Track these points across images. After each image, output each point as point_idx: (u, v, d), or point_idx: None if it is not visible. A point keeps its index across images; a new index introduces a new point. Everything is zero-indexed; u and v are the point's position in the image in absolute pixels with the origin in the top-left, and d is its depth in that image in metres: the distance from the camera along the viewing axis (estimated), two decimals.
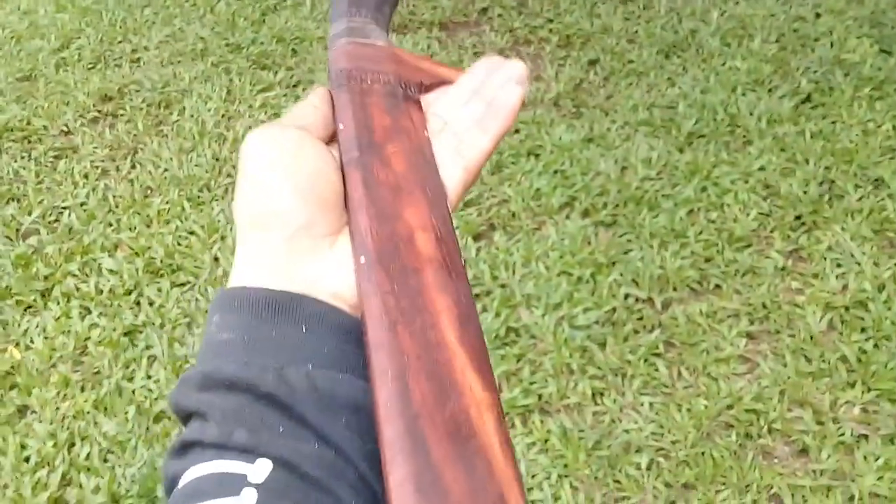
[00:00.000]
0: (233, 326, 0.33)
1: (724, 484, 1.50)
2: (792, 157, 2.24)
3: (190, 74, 2.80)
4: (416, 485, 0.28)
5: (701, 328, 1.78)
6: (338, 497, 0.30)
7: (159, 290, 1.98)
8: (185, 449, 0.31)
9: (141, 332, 1.88)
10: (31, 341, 1.88)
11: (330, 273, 0.34)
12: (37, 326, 1.92)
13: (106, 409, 1.72)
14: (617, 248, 1.99)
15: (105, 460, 1.63)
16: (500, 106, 0.40)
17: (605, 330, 1.79)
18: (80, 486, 1.58)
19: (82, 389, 1.77)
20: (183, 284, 2.00)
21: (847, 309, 1.79)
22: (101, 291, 1.99)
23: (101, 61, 2.94)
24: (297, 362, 0.31)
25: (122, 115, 2.66)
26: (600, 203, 2.13)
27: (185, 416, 0.32)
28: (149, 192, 2.33)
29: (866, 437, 1.55)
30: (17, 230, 2.21)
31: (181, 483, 0.30)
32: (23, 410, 1.75)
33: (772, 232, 2.01)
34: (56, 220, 2.24)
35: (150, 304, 1.95)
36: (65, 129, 2.61)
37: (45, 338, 1.88)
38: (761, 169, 2.20)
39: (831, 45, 2.70)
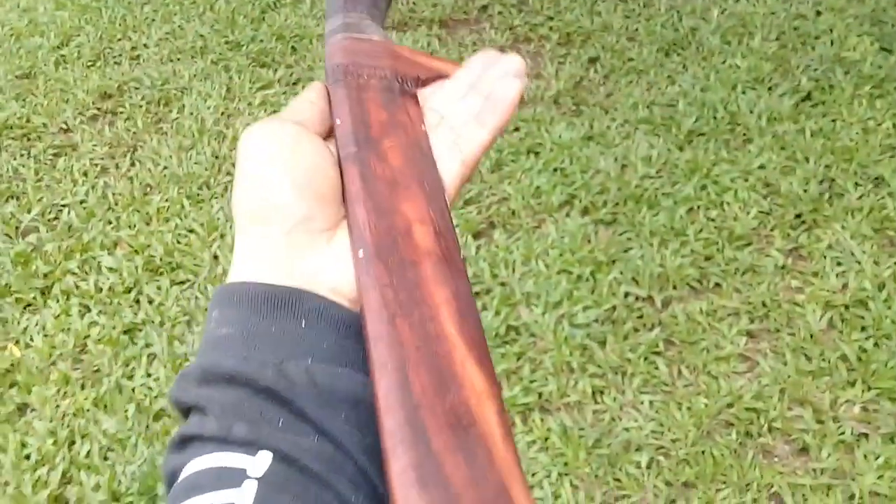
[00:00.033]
0: (232, 321, 0.33)
1: (724, 482, 1.50)
2: (792, 155, 2.24)
3: (189, 72, 2.80)
4: (417, 474, 0.28)
5: (701, 327, 1.78)
6: (337, 491, 0.30)
7: (159, 288, 1.98)
8: (185, 443, 0.31)
9: (140, 330, 1.88)
10: (31, 339, 1.88)
11: (329, 267, 0.34)
12: (36, 324, 1.92)
13: (106, 406, 1.72)
14: (617, 246, 1.99)
15: (105, 458, 1.63)
16: (499, 99, 0.40)
17: (605, 328, 1.79)
18: (81, 483, 1.58)
19: (82, 387, 1.77)
20: (182, 282, 2.00)
21: (847, 307, 1.79)
22: (101, 289, 1.99)
23: (100, 59, 2.94)
24: (296, 357, 0.32)
25: (121, 112, 2.66)
26: (600, 201, 2.13)
27: (185, 411, 0.32)
28: (148, 189, 2.32)
29: (866, 435, 1.55)
30: (17, 228, 2.21)
31: (181, 477, 0.30)
32: (23, 408, 1.75)
33: (772, 230, 2.01)
34: (55, 218, 2.24)
35: (150, 302, 1.95)
36: (64, 126, 2.61)
37: (45, 336, 1.88)
38: (761, 167, 2.20)
39: (831, 43, 2.70)
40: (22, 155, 2.49)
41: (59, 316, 1.93)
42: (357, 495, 0.30)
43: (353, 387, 0.32)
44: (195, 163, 2.39)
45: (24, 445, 1.65)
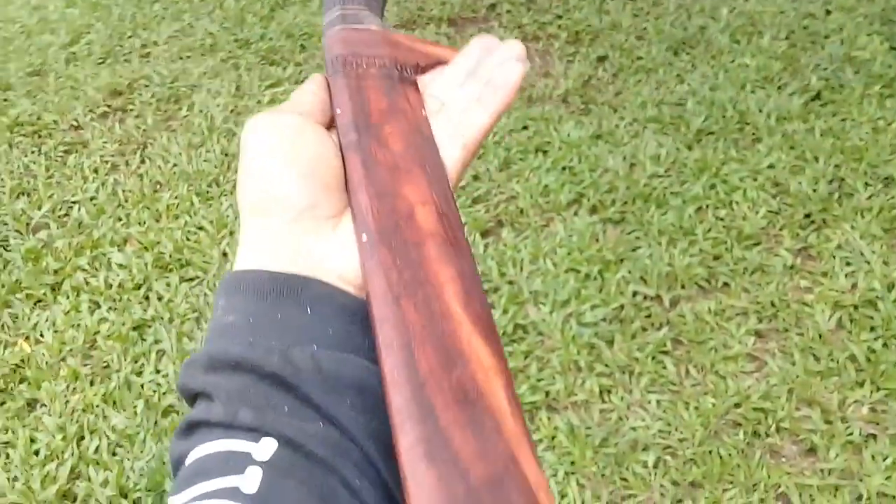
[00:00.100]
0: (238, 309, 0.33)
1: (731, 482, 1.49)
2: (801, 154, 2.23)
3: (199, 70, 2.81)
4: (425, 449, 0.28)
5: (709, 326, 1.78)
6: (342, 476, 0.30)
7: (168, 284, 1.99)
8: (191, 429, 0.31)
9: (150, 327, 1.89)
10: (41, 335, 1.89)
11: (334, 254, 0.34)
12: (46, 320, 1.93)
13: (115, 402, 1.73)
14: (625, 245, 1.99)
15: (114, 454, 1.64)
16: (501, 83, 0.40)
17: (613, 327, 1.79)
18: (89, 479, 1.59)
19: (91, 383, 1.78)
20: (192, 279, 2.01)
21: (856, 308, 1.78)
22: (111, 286, 2.00)
23: (110, 56, 2.95)
24: (302, 343, 0.32)
25: (131, 110, 2.67)
26: (608, 200, 2.12)
27: (192, 398, 0.33)
28: (158, 187, 2.33)
29: (874, 436, 1.55)
30: (28, 224, 2.22)
31: (187, 462, 0.30)
32: (32, 404, 1.76)
33: (781, 230, 2.01)
34: (66, 215, 2.25)
35: (159, 298, 1.96)
36: (75, 123, 2.62)
37: (55, 331, 1.90)
38: (770, 167, 2.19)
39: (841, 43, 2.68)
40: (33, 152, 2.51)
41: (68, 312, 1.94)
42: (362, 480, 0.30)
43: (359, 372, 0.32)
44: (204, 160, 2.40)
45: (33, 441, 1.66)
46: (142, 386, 1.76)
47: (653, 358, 1.72)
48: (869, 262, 1.89)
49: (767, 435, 1.56)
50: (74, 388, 1.77)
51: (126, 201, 2.28)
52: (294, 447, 0.30)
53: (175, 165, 2.39)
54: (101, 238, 2.14)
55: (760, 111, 2.39)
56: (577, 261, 1.94)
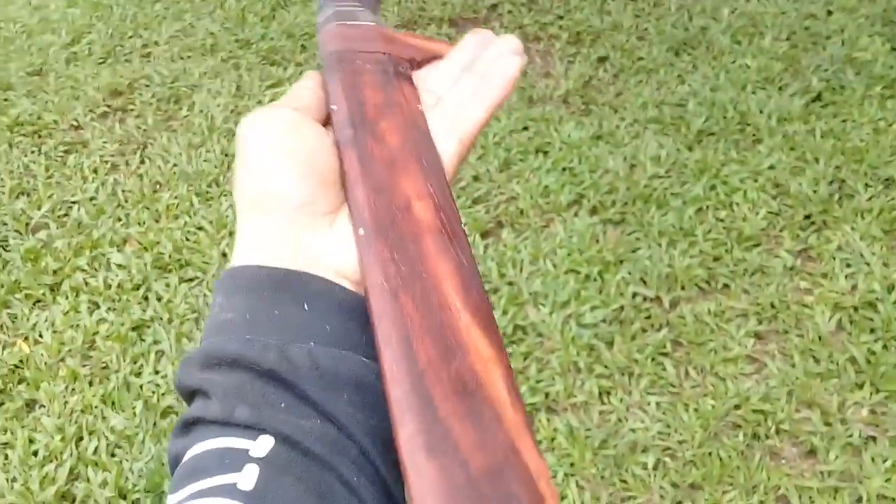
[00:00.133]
0: (235, 306, 0.33)
1: (731, 484, 1.49)
2: (802, 155, 2.23)
3: (199, 70, 2.81)
4: (425, 440, 0.28)
5: (709, 327, 1.78)
6: (339, 473, 0.30)
7: (167, 285, 1.99)
8: (188, 427, 0.31)
9: (149, 327, 1.89)
10: (40, 335, 1.89)
11: (332, 250, 0.34)
12: (45, 321, 1.93)
13: (114, 403, 1.73)
14: (625, 246, 1.99)
15: (113, 455, 1.64)
16: (497, 77, 0.40)
17: (613, 328, 1.79)
18: (88, 480, 1.59)
19: (90, 384, 1.78)
20: (191, 280, 2.01)
21: (856, 309, 1.78)
22: (110, 286, 2.00)
23: (111, 56, 2.95)
24: (299, 340, 0.32)
25: (131, 110, 2.67)
26: (609, 201, 2.12)
27: (189, 395, 0.32)
28: (158, 187, 2.33)
29: (874, 438, 1.54)
30: (27, 224, 2.22)
31: (184, 460, 0.30)
32: (31, 404, 1.76)
33: (781, 231, 2.00)
34: (65, 215, 2.25)
35: (159, 299, 1.96)
36: (75, 123, 2.62)
37: (54, 332, 1.89)
38: (771, 168, 2.19)
39: (843, 44, 2.68)
40: (33, 152, 2.51)
41: (67, 312, 1.94)
42: (359, 477, 0.30)
43: (357, 369, 0.32)
44: (204, 160, 2.40)
45: (31, 441, 1.66)
46: (141, 387, 1.75)
47: (652, 359, 1.72)
48: (869, 264, 1.88)
49: (767, 437, 1.56)
50: (73, 389, 1.77)
51: (126, 201, 2.28)
52: (291, 444, 0.29)
53: (175, 165, 2.39)
54: (101, 238, 2.14)
55: (761, 112, 2.39)
56: (576, 262, 1.94)
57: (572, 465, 1.54)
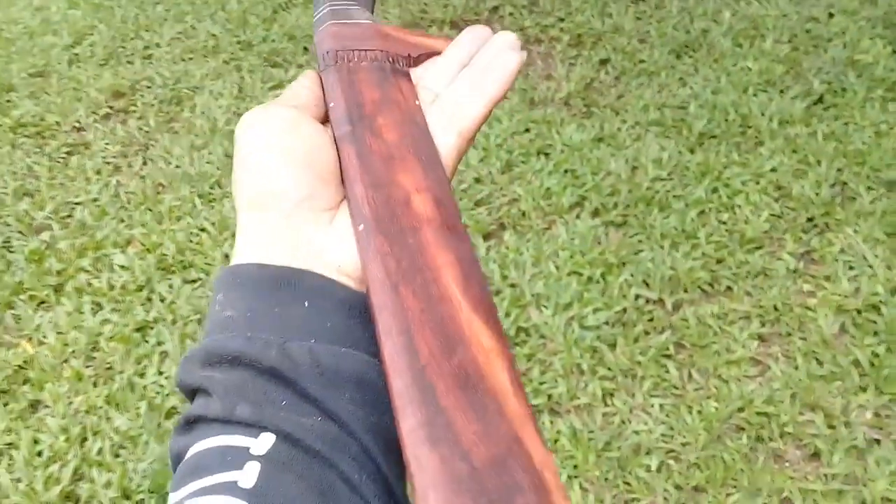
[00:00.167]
0: (236, 303, 0.33)
1: (734, 487, 1.49)
2: (804, 158, 2.23)
3: (201, 71, 2.81)
4: (427, 432, 0.28)
5: (712, 330, 1.78)
6: (340, 470, 0.30)
7: (170, 286, 1.99)
8: (190, 425, 0.31)
9: (152, 328, 1.89)
10: (44, 336, 1.89)
11: (333, 246, 0.34)
12: (49, 321, 1.93)
13: (118, 404, 1.73)
14: (627, 248, 1.99)
15: (117, 455, 1.64)
16: (497, 72, 0.40)
17: (616, 331, 1.79)
18: (92, 480, 1.59)
19: (94, 385, 1.78)
20: (194, 281, 2.01)
21: (859, 312, 1.79)
22: (113, 287, 2.00)
23: (113, 58, 2.95)
24: (300, 337, 0.32)
25: (133, 111, 2.67)
26: (611, 203, 2.12)
27: (190, 393, 0.32)
28: (160, 188, 2.34)
29: (878, 441, 1.55)
30: (31, 225, 2.22)
31: (186, 458, 0.30)
32: (35, 405, 1.76)
33: (783, 234, 2.01)
34: (69, 216, 2.25)
35: (162, 300, 1.96)
36: (77, 125, 2.62)
37: (58, 333, 1.90)
38: (773, 170, 2.19)
39: (844, 46, 2.68)
40: (35, 153, 2.51)
41: (71, 313, 1.94)
42: (361, 474, 0.30)
43: (358, 366, 0.32)
44: (207, 162, 2.40)
45: (36, 442, 1.66)
46: (144, 387, 1.76)
47: (655, 361, 1.72)
48: (872, 267, 1.89)
49: (771, 439, 1.56)
50: (77, 390, 1.77)
51: (128, 203, 2.28)
52: (292, 442, 0.29)
53: (177, 167, 2.39)
54: (104, 239, 2.14)
55: (763, 115, 2.40)
56: (579, 264, 1.95)
57: (575, 467, 1.54)
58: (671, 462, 1.54)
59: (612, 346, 1.76)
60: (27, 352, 1.86)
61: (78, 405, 1.73)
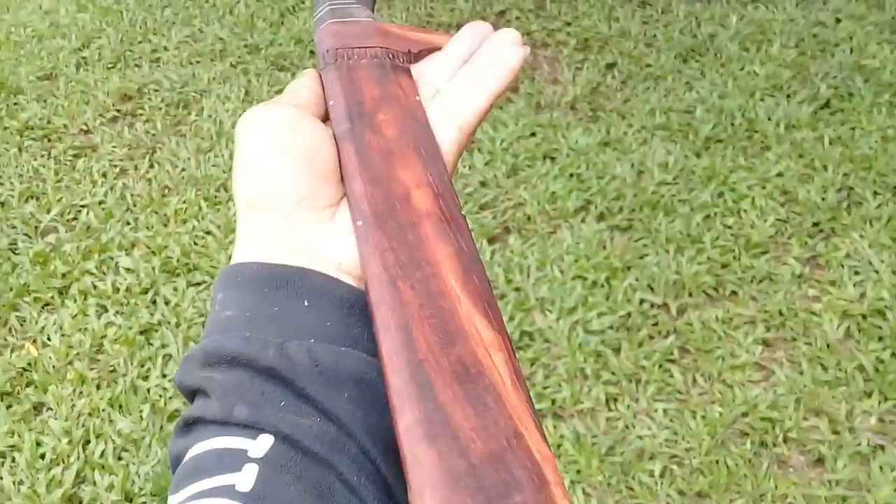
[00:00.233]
0: (235, 303, 0.33)
1: (738, 493, 1.48)
2: (810, 163, 2.22)
3: (209, 75, 2.82)
4: (424, 429, 0.28)
5: (716, 335, 1.77)
6: (339, 472, 0.30)
7: (175, 289, 2.00)
8: (189, 426, 0.31)
9: (157, 331, 1.89)
10: (48, 339, 1.90)
11: (332, 243, 0.34)
12: (54, 324, 1.93)
13: (121, 407, 1.73)
14: (632, 252, 1.98)
15: (119, 458, 1.64)
16: (499, 67, 0.40)
17: (620, 335, 1.78)
18: (95, 483, 1.59)
19: (98, 387, 1.78)
20: (199, 284, 2.02)
21: (864, 317, 1.77)
22: (118, 290, 2.01)
23: (120, 61, 2.97)
24: (298, 337, 0.31)
25: (140, 114, 2.68)
26: (616, 207, 2.12)
27: (190, 394, 0.32)
28: (166, 191, 2.34)
29: (882, 447, 1.53)
30: (36, 228, 2.23)
31: (185, 460, 0.30)
32: (39, 407, 1.76)
33: (789, 238, 2.00)
34: (74, 219, 2.26)
35: (167, 303, 1.96)
36: (84, 128, 2.64)
37: (62, 335, 1.90)
38: (779, 175, 2.19)
39: (851, 51, 2.67)
40: (42, 155, 2.52)
41: (76, 316, 1.95)
42: (359, 476, 0.30)
43: (357, 365, 0.31)
44: (213, 165, 2.41)
45: (39, 444, 1.67)
46: (148, 390, 1.76)
47: (660, 366, 1.71)
48: (878, 272, 1.87)
49: (775, 445, 1.55)
50: (81, 392, 1.77)
51: (134, 205, 2.28)
52: (291, 443, 0.29)
53: (183, 170, 2.40)
54: (110, 242, 2.15)
55: (769, 119, 2.39)
56: (584, 268, 1.94)
57: (579, 472, 1.54)
58: (675, 467, 1.54)
59: (617, 350, 1.75)
60: (31, 354, 1.87)
61: (81, 408, 1.74)
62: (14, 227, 2.23)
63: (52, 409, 1.75)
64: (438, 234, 0.33)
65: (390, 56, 0.42)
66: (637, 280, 1.90)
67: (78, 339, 1.88)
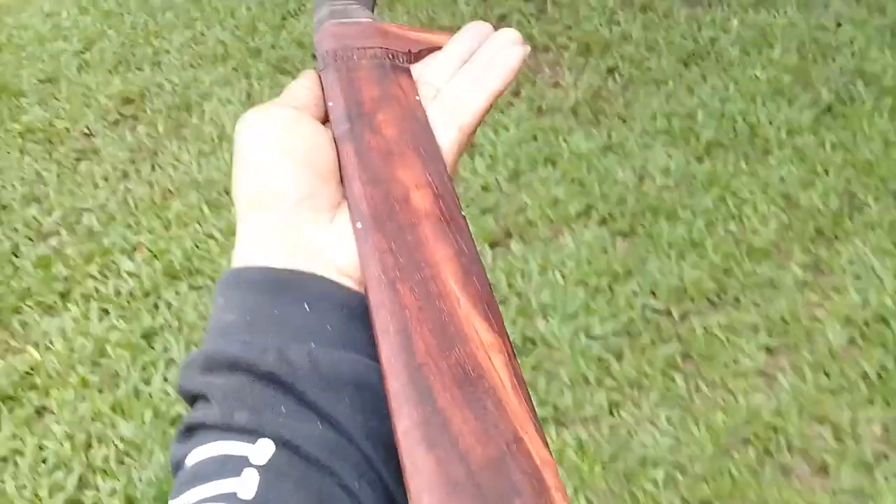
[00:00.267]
0: (235, 307, 0.32)
1: (741, 501, 1.48)
2: (812, 168, 2.22)
3: (210, 78, 2.82)
4: (423, 433, 0.28)
5: (719, 341, 1.77)
6: (339, 477, 0.29)
7: (177, 293, 1.99)
8: (190, 432, 0.31)
9: (158, 335, 1.89)
10: (51, 343, 1.90)
11: (332, 245, 0.34)
12: (56, 328, 1.93)
13: (123, 411, 1.73)
14: (634, 257, 1.98)
15: (121, 463, 1.64)
16: (499, 66, 0.40)
17: (622, 341, 1.78)
18: (97, 488, 1.59)
19: (100, 391, 1.78)
20: (201, 288, 2.01)
21: (867, 324, 1.77)
22: (120, 293, 2.01)
23: (122, 64, 2.97)
24: (299, 341, 0.31)
25: (142, 117, 2.68)
26: (618, 212, 2.12)
27: (191, 399, 0.32)
28: (168, 194, 2.34)
29: (886, 456, 1.53)
30: (38, 231, 2.23)
31: (185, 466, 0.30)
32: (41, 411, 1.76)
33: (791, 244, 2.00)
34: (76, 222, 2.26)
35: (169, 307, 1.96)
36: (86, 131, 2.63)
37: (64, 339, 1.90)
38: (781, 180, 2.19)
39: (852, 56, 2.67)
40: (44, 158, 2.52)
41: (78, 320, 1.95)
42: (361, 482, 0.30)
43: (358, 369, 0.31)
44: (215, 168, 2.40)
45: (41, 449, 1.67)
46: (150, 395, 1.76)
47: (662, 373, 1.71)
48: (881, 278, 1.87)
49: (778, 453, 1.55)
50: (83, 396, 1.77)
51: (136, 209, 2.28)
52: (291, 449, 0.29)
53: (185, 173, 2.40)
54: (112, 246, 2.15)
55: (771, 124, 2.39)
56: (586, 273, 1.94)
57: (581, 479, 1.54)
58: (678, 475, 1.54)
59: (619, 356, 1.75)
60: (34, 358, 1.86)
61: (83, 412, 1.73)
62: (16, 231, 2.23)
63: (54, 414, 1.74)
64: (438, 236, 0.33)
65: (390, 56, 0.42)
66: (639, 285, 1.90)
67: (80, 343, 1.88)
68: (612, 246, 2.03)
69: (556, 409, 1.66)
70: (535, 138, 2.41)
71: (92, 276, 2.06)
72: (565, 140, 2.40)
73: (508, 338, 0.31)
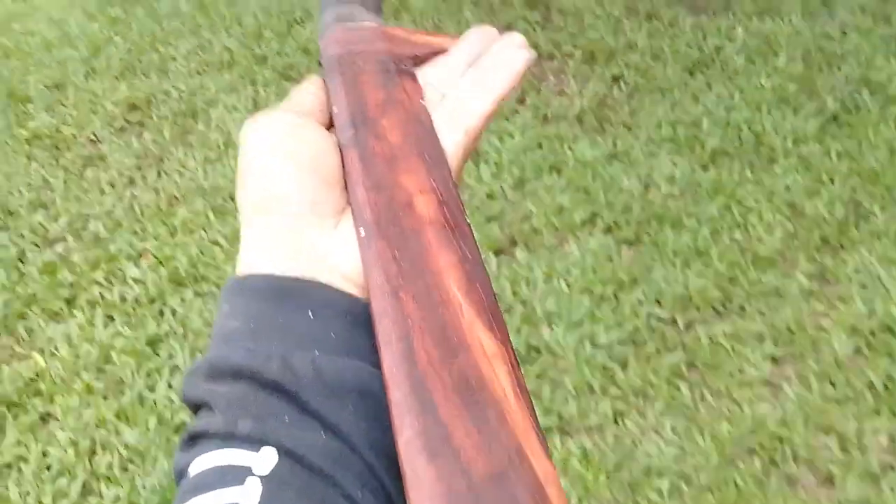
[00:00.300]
0: (240, 314, 0.32)
1: None
2: (817, 176, 2.22)
3: (216, 85, 2.83)
4: (424, 443, 0.27)
5: (724, 350, 1.77)
6: (342, 487, 0.29)
7: (182, 299, 2.00)
8: (193, 440, 0.31)
9: (163, 342, 1.90)
10: (56, 349, 1.90)
11: (336, 251, 0.34)
12: (61, 334, 1.94)
13: (127, 418, 1.73)
14: (639, 266, 1.98)
15: (125, 470, 1.64)
16: (504, 69, 0.40)
17: (627, 349, 1.78)
18: (101, 495, 1.59)
19: (105, 398, 1.78)
20: (206, 294, 2.02)
21: (874, 333, 1.77)
22: (126, 300, 2.01)
23: (129, 71, 2.98)
24: (302, 348, 0.31)
25: (149, 124, 2.69)
26: (623, 220, 2.12)
27: (195, 407, 0.32)
28: (174, 201, 2.35)
29: (893, 467, 1.53)
30: (45, 237, 2.24)
31: (188, 475, 0.30)
32: (46, 418, 1.76)
33: (796, 253, 1.99)
34: (83, 228, 2.27)
35: (174, 313, 1.96)
36: (93, 137, 2.64)
37: (70, 346, 1.90)
38: (786, 188, 2.18)
39: (858, 64, 2.67)
40: (51, 165, 2.53)
41: (83, 326, 1.95)
42: (363, 492, 0.30)
43: (362, 376, 0.31)
44: (221, 175, 2.41)
45: (45, 455, 1.67)
46: (155, 402, 1.76)
47: (668, 382, 1.71)
48: (887, 288, 1.87)
49: (784, 463, 1.54)
50: (88, 403, 1.77)
51: (142, 215, 2.29)
52: (294, 458, 0.29)
53: (191, 180, 2.41)
54: (117, 252, 2.15)
55: (776, 132, 2.39)
56: (591, 281, 1.94)
57: (586, 488, 1.53)
58: (683, 485, 1.53)
59: (624, 365, 1.75)
60: (39, 364, 1.87)
61: (88, 418, 1.73)
62: (22, 237, 2.24)
63: (58, 420, 1.75)
64: (441, 242, 0.33)
65: (395, 60, 0.41)
66: (644, 294, 1.90)
67: (85, 350, 1.88)
68: (618, 254, 2.03)
69: (561, 418, 1.65)
70: (540, 146, 2.41)
71: (97, 283, 2.07)
72: (570, 148, 2.40)
73: (512, 347, 0.31)
